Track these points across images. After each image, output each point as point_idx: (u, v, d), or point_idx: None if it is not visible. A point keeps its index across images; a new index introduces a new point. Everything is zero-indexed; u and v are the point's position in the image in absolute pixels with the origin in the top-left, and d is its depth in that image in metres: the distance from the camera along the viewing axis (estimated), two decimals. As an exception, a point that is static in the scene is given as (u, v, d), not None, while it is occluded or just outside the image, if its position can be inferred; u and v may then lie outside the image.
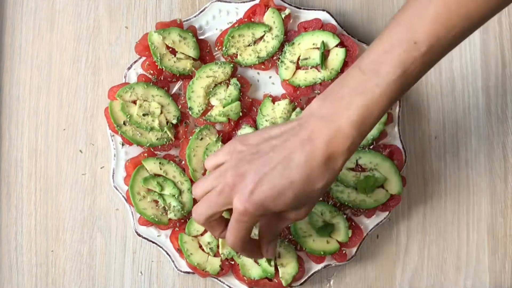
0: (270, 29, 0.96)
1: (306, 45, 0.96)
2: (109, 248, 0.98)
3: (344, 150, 0.71)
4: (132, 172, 0.94)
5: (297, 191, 0.72)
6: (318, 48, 0.96)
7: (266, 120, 0.95)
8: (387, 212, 0.95)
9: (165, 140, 0.95)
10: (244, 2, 0.98)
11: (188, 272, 0.94)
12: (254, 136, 0.75)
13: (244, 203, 0.72)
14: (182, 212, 0.94)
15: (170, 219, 0.94)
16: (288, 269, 0.93)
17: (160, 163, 0.95)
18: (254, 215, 0.73)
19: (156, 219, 0.93)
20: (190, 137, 0.95)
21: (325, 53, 0.95)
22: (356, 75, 0.72)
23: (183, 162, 0.95)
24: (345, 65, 0.95)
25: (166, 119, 0.95)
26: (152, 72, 0.95)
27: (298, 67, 0.97)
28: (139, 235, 0.95)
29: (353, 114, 0.70)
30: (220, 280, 0.95)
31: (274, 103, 0.96)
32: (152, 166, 0.94)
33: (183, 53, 0.96)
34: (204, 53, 0.97)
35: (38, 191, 0.99)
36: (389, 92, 0.70)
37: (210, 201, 0.75)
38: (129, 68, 0.97)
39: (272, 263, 0.92)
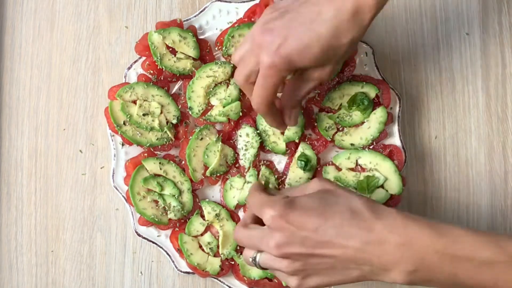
0: (270, 29, 0.96)
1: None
2: (109, 248, 0.98)
3: (373, 4, 0.72)
4: (132, 172, 0.94)
5: (324, 45, 0.72)
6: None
7: (266, 120, 0.95)
8: (387, 212, 0.95)
9: (165, 140, 0.95)
10: (244, 2, 0.98)
11: (188, 272, 0.94)
12: None
13: (270, 56, 0.74)
14: (182, 212, 0.94)
15: (170, 219, 0.94)
16: (288, 269, 0.93)
17: (160, 163, 0.95)
18: (280, 69, 0.74)
19: (156, 219, 0.93)
20: (190, 137, 0.95)
21: (325, 53, 0.95)
22: None
23: (183, 162, 0.95)
24: (345, 65, 0.95)
25: (166, 119, 0.95)
26: (152, 72, 0.95)
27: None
28: (139, 235, 0.95)
29: None
30: (220, 280, 0.95)
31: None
32: (152, 166, 0.94)
33: (183, 53, 0.96)
34: (204, 53, 0.97)
35: (38, 191, 0.99)
36: None
37: (244, 61, 0.78)
38: (129, 68, 0.97)
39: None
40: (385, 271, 0.71)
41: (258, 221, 0.79)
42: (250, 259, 0.77)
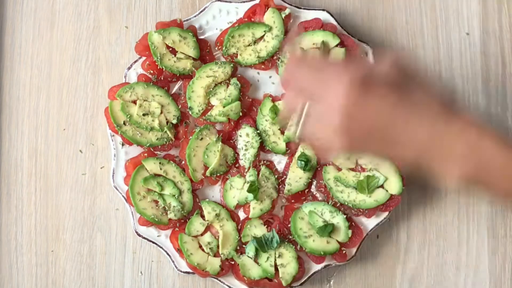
0: (270, 29, 0.96)
1: (306, 45, 0.96)
2: (109, 248, 0.98)
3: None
4: (132, 172, 0.94)
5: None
6: (318, 48, 0.95)
7: (266, 120, 0.95)
8: (387, 212, 0.95)
9: (165, 140, 0.95)
10: (244, 2, 0.98)
11: (188, 272, 0.94)
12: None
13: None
14: (182, 212, 0.94)
15: (170, 219, 0.94)
16: (288, 269, 0.93)
17: (160, 163, 0.95)
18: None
19: (156, 219, 0.93)
20: (190, 137, 0.95)
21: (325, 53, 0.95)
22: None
23: (183, 162, 0.95)
24: (345, 65, 0.95)
25: (166, 119, 0.95)
26: (152, 72, 0.95)
27: (298, 67, 0.97)
28: (139, 235, 0.95)
29: None
30: (220, 280, 0.95)
31: (274, 103, 0.96)
32: (152, 166, 0.94)
33: (183, 53, 0.96)
34: (204, 53, 0.97)
35: (38, 191, 0.99)
36: None
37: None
38: (129, 68, 0.97)
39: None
40: (445, 168, 0.69)
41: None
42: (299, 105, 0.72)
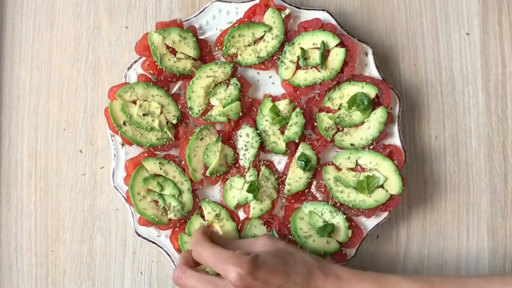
0: (270, 29, 0.96)
1: (306, 45, 0.96)
2: (109, 248, 0.98)
3: None
4: (132, 172, 0.94)
5: None
6: (318, 48, 0.96)
7: (266, 120, 0.95)
8: (387, 212, 0.95)
9: (165, 140, 0.95)
10: (244, 2, 0.98)
11: (188, 272, 0.95)
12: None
13: None
14: (182, 212, 0.94)
15: (170, 219, 0.94)
16: (288, 269, 0.93)
17: (160, 163, 0.95)
18: None
19: (156, 219, 0.93)
20: (190, 137, 0.95)
21: (325, 53, 0.95)
22: None
23: (183, 162, 0.95)
24: (345, 65, 0.95)
25: (166, 119, 0.95)
26: (152, 72, 0.95)
27: (298, 67, 0.97)
28: (139, 235, 0.95)
29: None
30: (220, 280, 0.95)
31: (274, 103, 0.96)
32: (152, 166, 0.94)
33: (183, 53, 0.96)
34: (204, 53, 0.97)
35: (38, 191, 0.99)
36: None
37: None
38: (129, 68, 0.97)
39: None
40: None
41: (197, 264, 0.86)
42: None
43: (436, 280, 0.82)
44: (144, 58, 0.96)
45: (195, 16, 0.98)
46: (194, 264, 0.87)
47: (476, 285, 0.81)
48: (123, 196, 0.95)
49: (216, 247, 0.83)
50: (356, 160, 0.94)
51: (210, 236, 0.88)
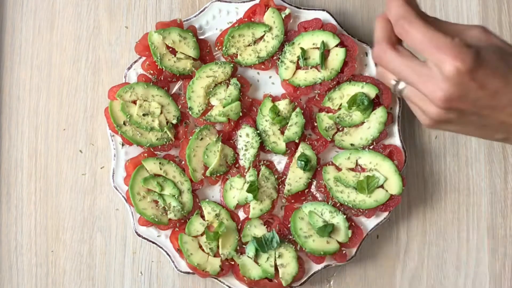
0: (270, 29, 0.96)
1: (306, 45, 0.96)
2: (109, 248, 0.98)
3: None
4: (132, 172, 0.94)
5: None
6: (318, 48, 0.95)
7: (266, 120, 0.95)
8: (387, 212, 0.95)
9: (165, 140, 0.95)
10: (244, 2, 0.98)
11: (188, 272, 0.94)
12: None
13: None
14: (182, 212, 0.94)
15: (170, 219, 0.94)
16: (288, 269, 0.93)
17: (160, 163, 0.95)
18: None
19: (156, 219, 0.93)
20: (190, 137, 0.95)
21: (325, 53, 0.95)
22: None
23: (183, 162, 0.95)
24: (345, 65, 0.95)
25: (166, 119, 0.95)
26: (152, 72, 0.95)
27: (298, 67, 0.97)
28: (139, 235, 0.95)
29: None
30: (220, 281, 0.95)
31: (274, 103, 0.96)
32: (152, 166, 0.94)
33: (183, 53, 0.96)
34: (204, 53, 0.97)
35: (38, 191, 0.99)
36: None
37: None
38: (129, 68, 0.97)
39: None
40: None
41: (398, 41, 0.70)
42: (392, 82, 0.69)
43: None
44: (144, 58, 0.96)
45: (195, 16, 0.98)
46: (396, 41, 0.70)
47: None
48: (123, 196, 0.95)
49: (429, 27, 0.66)
50: (356, 160, 0.94)
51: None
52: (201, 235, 0.94)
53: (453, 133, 0.99)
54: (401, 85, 0.70)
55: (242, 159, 0.96)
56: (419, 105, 0.69)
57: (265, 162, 0.96)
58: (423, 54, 0.66)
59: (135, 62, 0.97)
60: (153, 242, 0.95)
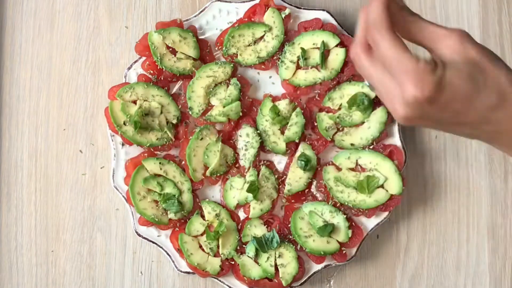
0: (270, 29, 0.96)
1: (306, 45, 0.96)
2: (109, 248, 0.98)
3: None
4: (132, 172, 0.94)
5: None
6: (318, 48, 0.96)
7: (266, 120, 0.95)
8: (387, 212, 0.95)
9: (165, 140, 0.95)
10: (244, 2, 0.98)
11: (188, 272, 0.94)
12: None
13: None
14: (182, 212, 0.94)
15: (170, 219, 0.94)
16: (288, 269, 0.93)
17: (160, 163, 0.95)
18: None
19: (156, 219, 0.93)
20: (190, 137, 0.95)
21: (325, 53, 0.95)
22: None
23: (183, 162, 0.95)
24: (345, 65, 0.95)
25: (166, 119, 0.95)
26: (152, 72, 0.95)
27: (298, 67, 0.97)
28: (139, 235, 0.95)
29: None
30: (220, 280, 0.95)
31: (274, 103, 0.96)
32: (152, 166, 0.94)
33: (183, 53, 0.96)
34: (204, 53, 0.97)
35: (38, 191, 0.99)
36: None
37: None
38: (129, 68, 0.97)
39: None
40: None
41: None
42: (367, 82, 0.70)
43: None
44: (144, 58, 0.96)
45: (195, 16, 0.98)
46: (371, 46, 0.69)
47: None
48: (123, 196, 0.95)
49: (399, 44, 0.65)
50: (356, 160, 0.94)
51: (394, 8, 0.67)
52: (201, 235, 0.94)
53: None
54: (371, 89, 0.72)
55: (242, 159, 0.96)
56: (389, 106, 0.69)
57: (265, 162, 0.96)
58: (389, 70, 0.66)
59: (135, 62, 0.97)
60: (153, 242, 0.95)
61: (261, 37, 0.97)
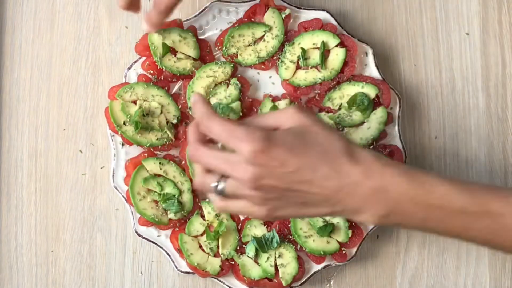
0: (270, 29, 0.96)
1: (306, 45, 0.96)
2: (109, 248, 0.98)
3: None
4: (132, 172, 0.94)
5: None
6: (318, 48, 0.96)
7: (266, 120, 0.95)
8: (387, 212, 0.95)
9: (165, 140, 0.95)
10: (244, 2, 0.98)
11: (188, 272, 0.94)
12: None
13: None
14: (182, 212, 0.94)
15: (170, 219, 0.94)
16: (288, 269, 0.93)
17: (160, 163, 0.95)
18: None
19: (156, 219, 0.93)
20: (190, 137, 0.95)
21: (325, 53, 0.95)
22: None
23: (183, 162, 0.95)
24: (345, 65, 0.95)
25: (166, 119, 0.95)
26: (152, 72, 0.95)
27: (298, 67, 0.97)
28: (139, 235, 0.95)
29: None
30: (220, 280, 0.95)
31: (274, 103, 0.96)
32: (152, 166, 0.94)
33: (183, 53, 0.96)
34: (204, 53, 0.97)
35: (38, 191, 0.99)
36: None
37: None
38: (129, 68, 0.97)
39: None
40: (357, 213, 0.73)
41: (211, 140, 0.77)
42: (212, 185, 0.74)
43: (477, 188, 0.73)
44: (144, 58, 0.96)
45: (195, 16, 0.98)
46: (207, 141, 0.76)
47: None
48: (123, 196, 0.95)
49: (227, 121, 0.73)
50: (356, 160, 0.94)
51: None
52: (201, 235, 0.94)
53: (453, 133, 0.99)
54: (221, 185, 0.74)
55: (242, 159, 0.96)
56: (241, 194, 0.73)
57: (265, 162, 0.96)
58: (226, 144, 0.72)
59: (135, 62, 0.97)
60: (153, 242, 0.95)
61: (261, 37, 0.97)
